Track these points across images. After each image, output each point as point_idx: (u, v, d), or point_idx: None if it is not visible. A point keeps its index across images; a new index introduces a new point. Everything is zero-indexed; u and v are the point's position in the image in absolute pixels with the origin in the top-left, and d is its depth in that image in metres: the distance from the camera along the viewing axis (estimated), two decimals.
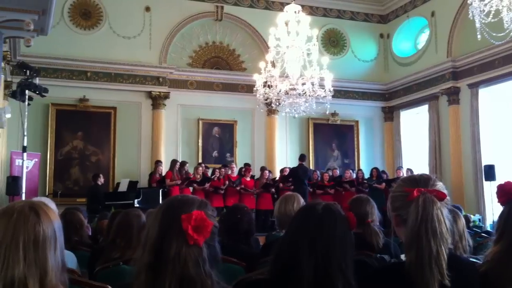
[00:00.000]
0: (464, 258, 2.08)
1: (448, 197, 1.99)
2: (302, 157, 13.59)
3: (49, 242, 1.63)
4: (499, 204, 2.15)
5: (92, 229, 6.97)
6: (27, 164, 10.66)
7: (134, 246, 3.61)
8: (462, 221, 3.31)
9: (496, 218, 11.84)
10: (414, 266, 1.86)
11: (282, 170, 14.01)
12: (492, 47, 12.27)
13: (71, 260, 3.59)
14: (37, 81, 8.86)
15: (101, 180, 12.63)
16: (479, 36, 7.65)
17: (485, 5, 7.46)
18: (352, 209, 3.58)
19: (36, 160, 12.56)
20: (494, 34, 8.10)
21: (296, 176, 12.90)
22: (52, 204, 3.66)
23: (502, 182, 2.21)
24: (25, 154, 8.38)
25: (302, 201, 3.91)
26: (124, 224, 3.72)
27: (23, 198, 8.07)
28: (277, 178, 14.05)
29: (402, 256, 2.13)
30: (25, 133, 8.69)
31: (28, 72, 8.64)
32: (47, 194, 13.27)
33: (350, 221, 2.05)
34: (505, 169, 13.17)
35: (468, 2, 7.60)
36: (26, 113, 8.79)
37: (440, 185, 2.02)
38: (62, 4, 13.91)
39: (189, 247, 1.61)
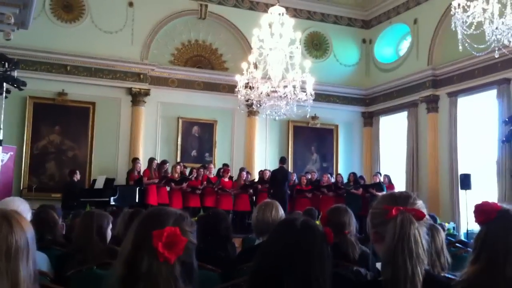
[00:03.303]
0: (440, 278, 2.08)
1: (427, 216, 2.00)
2: (283, 160, 13.61)
3: (21, 253, 1.59)
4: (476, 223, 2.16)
5: (66, 226, 6.89)
6: (2, 158, 10.52)
7: (94, 248, 3.60)
8: (441, 237, 3.31)
9: (470, 227, 11.98)
10: (390, 285, 1.86)
11: (261, 172, 14.00)
12: (473, 57, 12.36)
13: (43, 261, 3.54)
14: (15, 73, 8.74)
15: (77, 177, 12.48)
16: (460, 48, 7.73)
17: (468, 16, 7.53)
18: (330, 218, 3.62)
19: (12, 153, 12.36)
20: (475, 46, 8.17)
21: (275, 179, 12.90)
22: (24, 204, 3.61)
23: (480, 202, 2.21)
24: (0, 147, 8.25)
25: (280, 209, 3.91)
26: (83, 226, 3.74)
27: None
28: (255, 180, 14.04)
29: (378, 265, 2.13)
30: (1, 126, 8.57)
31: (6, 64, 8.51)
32: (21, 188, 13.11)
33: (328, 236, 2.06)
34: (480, 179, 13.35)
35: (451, 13, 7.67)
36: (3, 105, 8.65)
37: (419, 204, 2.02)
38: None
39: (160, 264, 1.58)
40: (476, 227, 2.12)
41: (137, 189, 12.23)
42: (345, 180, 14.42)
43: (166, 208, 1.77)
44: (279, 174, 13.00)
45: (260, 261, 1.99)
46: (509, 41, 7.57)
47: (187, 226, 1.68)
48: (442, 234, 3.36)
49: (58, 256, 3.89)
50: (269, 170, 13.84)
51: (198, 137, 15.35)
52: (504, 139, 12.24)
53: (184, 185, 12.72)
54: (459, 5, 7.56)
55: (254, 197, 13.57)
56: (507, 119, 12.20)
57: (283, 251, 1.93)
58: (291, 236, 1.97)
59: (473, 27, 7.58)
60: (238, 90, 11.30)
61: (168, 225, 1.62)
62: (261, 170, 14.21)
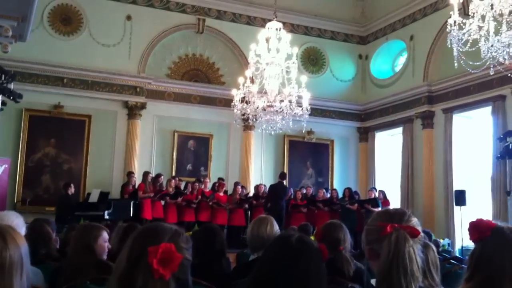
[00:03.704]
0: None
1: (422, 233, 2.00)
2: (283, 175, 13.58)
3: (15, 268, 1.59)
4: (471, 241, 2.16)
5: (60, 240, 6.85)
6: None
7: (80, 262, 3.59)
8: (429, 255, 3.27)
9: (465, 243, 11.97)
10: None
11: (256, 187, 13.98)
12: (468, 74, 12.40)
13: (37, 276, 3.52)
14: (11, 86, 8.73)
15: (71, 190, 12.38)
16: (456, 65, 7.76)
17: (463, 34, 7.58)
18: (325, 234, 3.62)
19: (6, 166, 12.31)
20: (470, 63, 8.21)
21: (275, 194, 12.85)
22: (19, 219, 3.59)
23: (475, 219, 2.21)
24: None
25: (275, 224, 3.90)
26: (71, 240, 3.72)
27: None
28: (250, 194, 14.01)
29: (373, 281, 2.13)
30: None
31: (3, 76, 8.50)
32: (15, 201, 13.03)
33: (323, 252, 2.06)
34: (475, 195, 13.38)
35: (447, 30, 7.72)
36: None
37: (414, 221, 2.03)
38: (42, 8, 13.74)
39: (155, 281, 1.56)
40: (471, 244, 2.12)
41: (132, 203, 12.17)
42: (340, 195, 14.41)
43: (162, 224, 1.76)
44: (279, 189, 12.97)
45: (256, 277, 2.00)
46: (504, 59, 7.60)
47: (182, 243, 1.67)
48: (431, 253, 3.30)
49: (52, 271, 3.86)
50: (264, 185, 13.83)
51: (193, 151, 15.34)
52: (498, 155, 12.26)
53: (179, 199, 12.68)
54: (455, 22, 7.61)
55: (249, 212, 13.52)
56: (502, 136, 12.24)
57: (278, 267, 1.94)
58: (286, 252, 1.98)
59: (468, 44, 7.62)
60: (235, 104, 11.33)
61: (163, 242, 1.61)
62: (257, 185, 14.18)
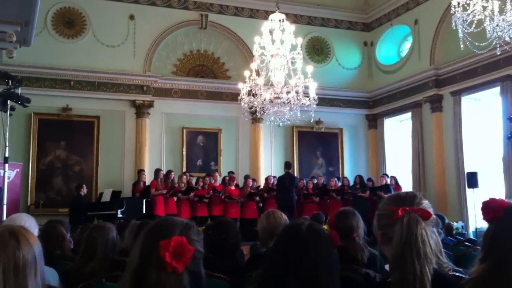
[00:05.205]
0: (449, 277, 2.07)
1: (433, 216, 1.99)
2: (288, 165, 13.56)
3: (29, 268, 1.60)
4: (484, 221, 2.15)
5: (74, 241, 6.89)
6: (8, 175, 10.52)
7: (99, 259, 3.63)
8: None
9: (479, 225, 11.93)
10: (399, 286, 1.85)
11: (267, 179, 13.99)
12: (474, 55, 12.38)
13: (52, 276, 3.54)
14: (19, 91, 8.74)
15: (84, 191, 12.49)
16: (462, 46, 7.72)
17: (468, 15, 7.53)
18: (337, 222, 3.61)
19: (18, 170, 12.39)
20: (476, 44, 8.17)
21: (283, 185, 12.85)
22: (31, 220, 3.62)
23: (487, 199, 2.19)
24: (6, 165, 8.24)
25: (284, 216, 3.90)
26: (89, 239, 3.77)
27: (5, 209, 7.94)
28: (261, 187, 14.02)
29: (387, 266, 2.13)
30: (7, 144, 8.56)
31: (10, 82, 8.51)
32: (29, 204, 13.14)
33: (334, 239, 2.05)
34: (487, 176, 13.32)
35: (451, 12, 7.67)
36: (8, 123, 8.66)
37: (425, 204, 2.03)
38: (46, 12, 13.79)
39: (168, 274, 1.57)
40: (484, 225, 2.11)
41: (144, 200, 12.24)
42: (351, 183, 14.38)
43: (172, 218, 1.76)
44: (287, 180, 12.95)
45: (267, 267, 1.99)
46: (510, 38, 7.56)
47: (193, 235, 1.67)
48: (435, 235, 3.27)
49: (67, 271, 3.89)
50: (274, 176, 13.82)
51: (203, 146, 15.37)
52: (509, 135, 12.19)
53: (191, 194, 12.72)
54: (458, 3, 7.57)
55: (261, 204, 13.54)
56: (511, 116, 12.17)
57: (289, 255, 1.94)
58: (296, 240, 1.97)
59: (473, 25, 7.58)
60: (241, 98, 11.33)
61: (174, 235, 1.61)
62: (267, 177, 14.17)
